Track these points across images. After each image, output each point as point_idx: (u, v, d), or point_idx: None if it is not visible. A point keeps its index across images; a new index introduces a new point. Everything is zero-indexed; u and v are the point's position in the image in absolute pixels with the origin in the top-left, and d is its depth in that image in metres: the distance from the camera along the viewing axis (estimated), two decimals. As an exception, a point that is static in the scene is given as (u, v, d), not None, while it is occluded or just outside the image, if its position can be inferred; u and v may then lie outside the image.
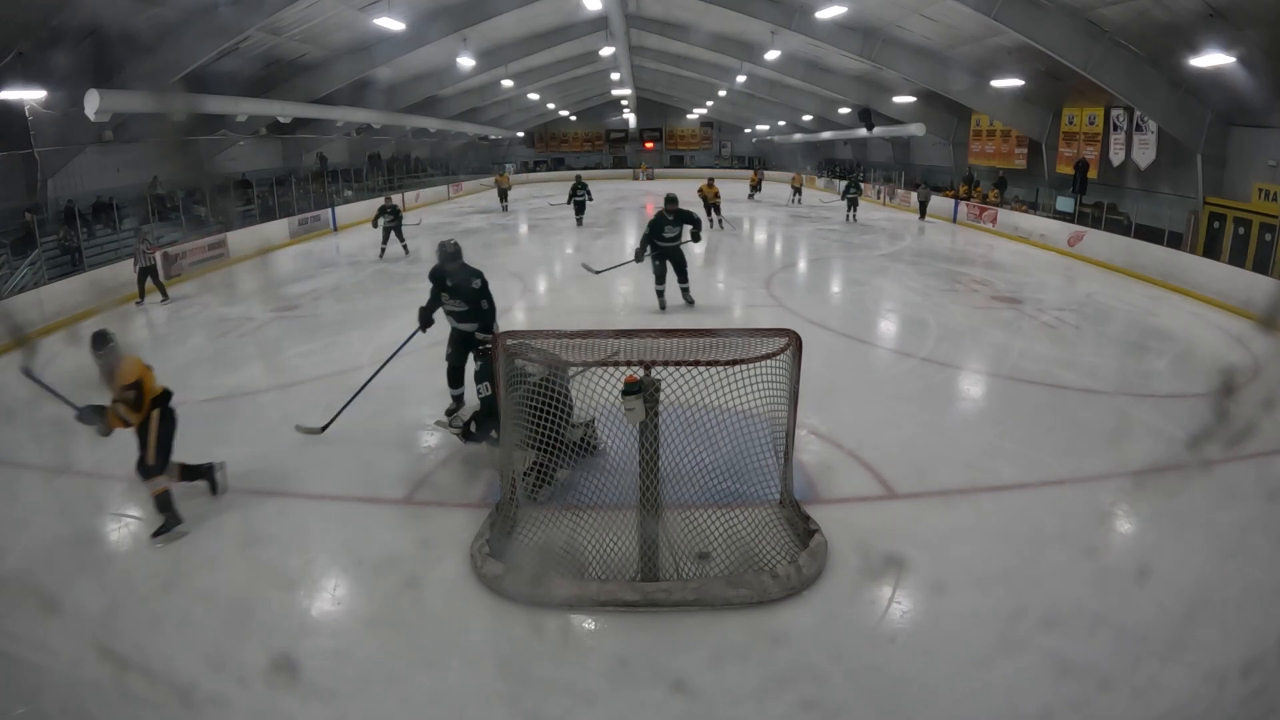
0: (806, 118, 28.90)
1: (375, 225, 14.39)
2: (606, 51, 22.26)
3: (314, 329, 8.93)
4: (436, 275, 5.50)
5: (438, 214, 22.57)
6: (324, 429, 5.45)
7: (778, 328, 3.88)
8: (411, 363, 7.50)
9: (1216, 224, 12.16)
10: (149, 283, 10.57)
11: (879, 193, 24.87)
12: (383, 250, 14.20)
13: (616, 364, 3.61)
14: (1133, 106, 13.05)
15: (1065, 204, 15.60)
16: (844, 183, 21.28)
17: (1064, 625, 3.34)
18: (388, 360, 5.80)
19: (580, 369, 4.30)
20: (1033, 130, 17.19)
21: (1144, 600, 3.55)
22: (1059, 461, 5.03)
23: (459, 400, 5.82)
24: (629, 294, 10.99)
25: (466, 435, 4.94)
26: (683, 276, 9.14)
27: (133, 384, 4.13)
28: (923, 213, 20.09)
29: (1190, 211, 12.55)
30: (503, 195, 23.19)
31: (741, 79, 24.32)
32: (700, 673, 3.10)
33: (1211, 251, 11.75)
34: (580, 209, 18.30)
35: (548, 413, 3.96)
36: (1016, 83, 15.03)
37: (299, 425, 5.51)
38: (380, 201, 15.09)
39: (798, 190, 25.07)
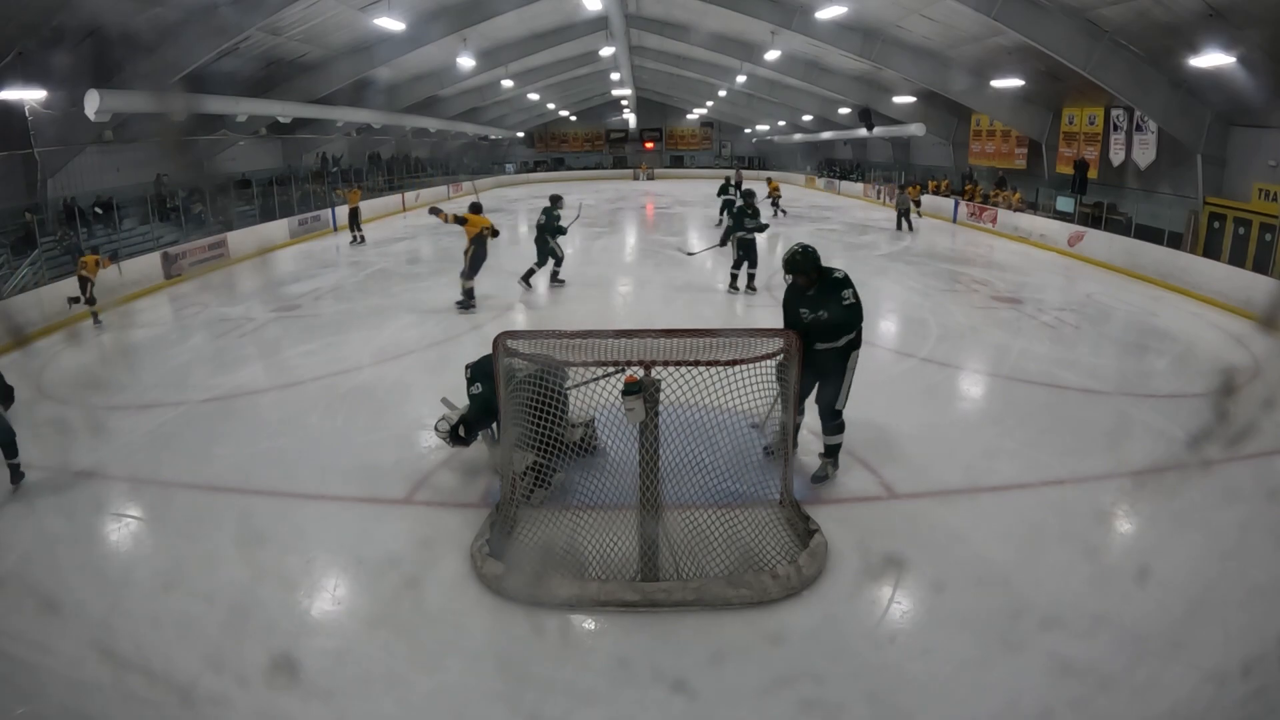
0: (806, 118, 28.91)
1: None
2: (606, 51, 22.26)
3: (314, 329, 8.94)
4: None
5: (438, 214, 22.56)
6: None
7: (778, 328, 3.88)
8: (412, 363, 7.53)
9: (1216, 224, 12.16)
10: None
11: (879, 193, 24.90)
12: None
13: (617, 363, 3.61)
14: (1133, 106, 13.05)
15: (1065, 204, 15.60)
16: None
17: (1064, 625, 3.34)
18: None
19: (579, 384, 4.30)
20: (1033, 130, 17.19)
21: (1144, 600, 3.55)
22: (1059, 461, 5.03)
23: None
24: (628, 294, 11.01)
25: (455, 439, 4.71)
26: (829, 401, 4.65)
27: None
28: (900, 224, 17.41)
29: (1190, 211, 12.55)
30: (354, 220, 16.40)
31: (741, 79, 24.33)
32: (700, 673, 3.10)
33: (1211, 251, 11.74)
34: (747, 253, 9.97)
35: (542, 410, 3.95)
36: (1016, 83, 15.03)
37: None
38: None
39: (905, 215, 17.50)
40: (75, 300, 9.28)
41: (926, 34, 15.33)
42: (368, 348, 8.00)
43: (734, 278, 10.23)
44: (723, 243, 10.61)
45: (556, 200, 10.45)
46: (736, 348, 3.76)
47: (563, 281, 10.84)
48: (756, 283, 10.19)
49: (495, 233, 9.40)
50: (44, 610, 3.56)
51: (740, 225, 9.79)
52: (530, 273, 10.42)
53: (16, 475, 4.84)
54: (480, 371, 4.60)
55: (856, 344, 4.61)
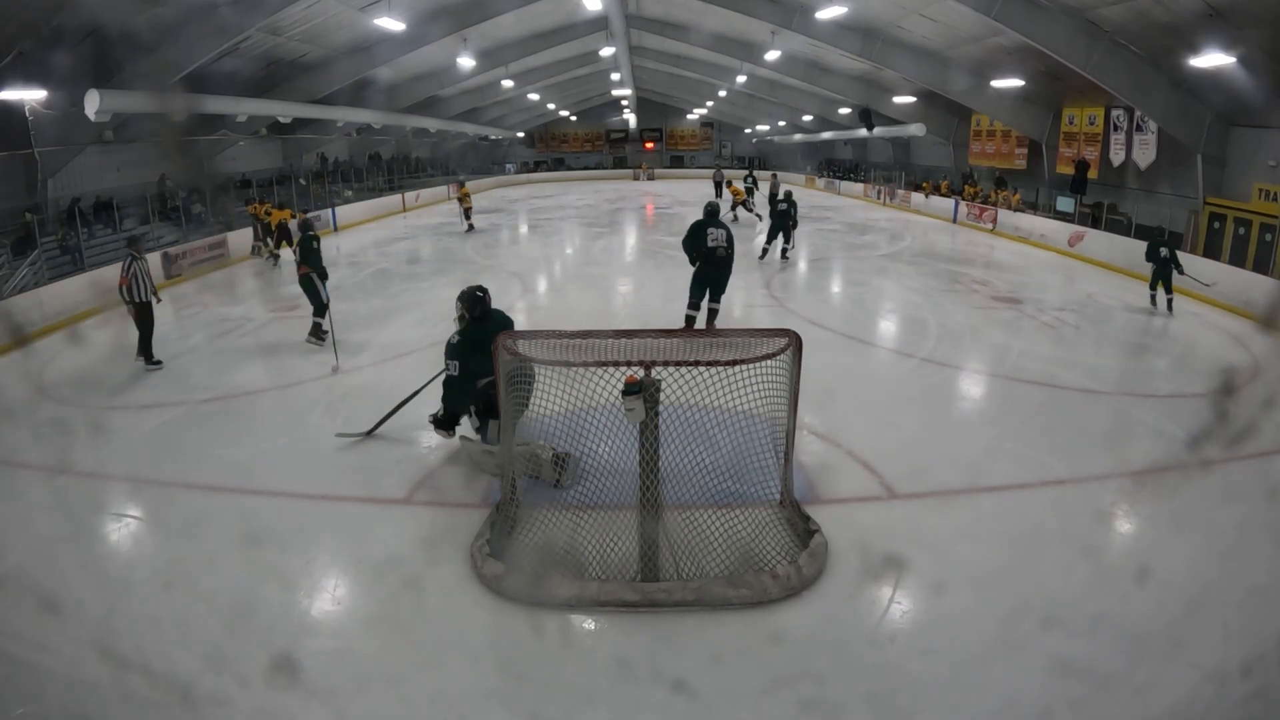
0: (807, 118, 28.90)
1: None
2: (606, 51, 22.26)
3: (314, 329, 8.91)
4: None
5: (437, 214, 22.58)
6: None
7: (778, 328, 3.88)
8: (412, 363, 7.52)
9: (1216, 224, 12.16)
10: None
11: (879, 193, 24.90)
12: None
13: (618, 362, 3.61)
14: (1133, 106, 13.05)
15: (1065, 204, 15.60)
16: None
17: (1064, 625, 3.34)
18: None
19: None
20: (1033, 130, 17.19)
21: (1144, 600, 3.55)
22: (1059, 461, 5.03)
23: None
24: (628, 294, 11.01)
25: (438, 426, 4.95)
26: (719, 293, 7.92)
27: None
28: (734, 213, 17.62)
29: (1190, 212, 12.55)
30: (268, 233, 13.75)
31: (741, 79, 24.32)
32: (700, 673, 3.10)
33: (1211, 251, 11.74)
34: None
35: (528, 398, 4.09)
36: (1016, 83, 15.03)
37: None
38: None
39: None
40: (272, 251, 13.41)
41: (926, 34, 15.33)
42: (367, 348, 7.99)
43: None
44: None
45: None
46: (736, 348, 3.76)
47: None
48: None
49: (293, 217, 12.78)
50: (44, 610, 3.56)
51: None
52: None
53: (319, 331, 7.91)
54: (452, 348, 4.68)
55: (732, 256, 7.76)
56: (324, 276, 8.09)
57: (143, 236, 8.36)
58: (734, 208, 18.05)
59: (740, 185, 18.95)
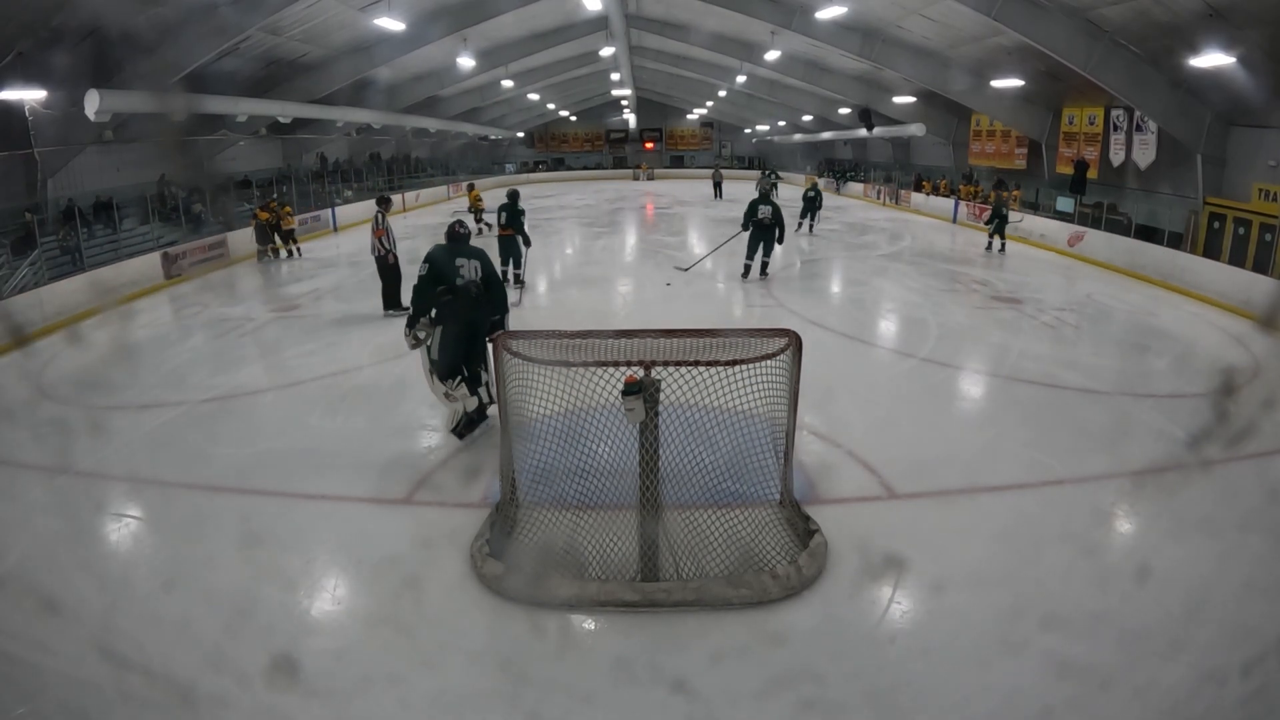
0: (806, 118, 28.90)
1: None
2: (606, 51, 22.26)
3: (314, 329, 8.92)
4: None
5: (437, 214, 22.58)
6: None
7: (778, 328, 3.88)
8: (412, 362, 7.51)
9: (1216, 224, 12.16)
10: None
11: (879, 193, 24.91)
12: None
13: (616, 362, 3.61)
14: (1133, 106, 13.05)
15: (1065, 204, 15.60)
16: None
17: (1064, 625, 3.34)
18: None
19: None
20: (1033, 130, 17.18)
21: (1144, 600, 3.55)
22: (1059, 461, 5.03)
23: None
24: (628, 294, 11.01)
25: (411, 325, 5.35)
26: (767, 254, 11.17)
27: None
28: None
29: (1190, 212, 12.55)
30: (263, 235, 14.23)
31: (741, 79, 24.32)
32: (700, 673, 3.10)
33: (1211, 252, 11.74)
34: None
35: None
36: (1016, 83, 15.02)
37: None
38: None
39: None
40: (273, 249, 13.93)
41: (926, 34, 15.33)
42: (368, 348, 7.99)
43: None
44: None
45: None
46: (736, 348, 3.76)
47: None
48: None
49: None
50: (44, 610, 3.55)
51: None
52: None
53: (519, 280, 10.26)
54: (428, 256, 5.30)
55: (781, 226, 10.72)
56: (528, 243, 10.28)
57: (389, 198, 9.80)
58: (473, 213, 17.11)
59: (479, 191, 18.42)
